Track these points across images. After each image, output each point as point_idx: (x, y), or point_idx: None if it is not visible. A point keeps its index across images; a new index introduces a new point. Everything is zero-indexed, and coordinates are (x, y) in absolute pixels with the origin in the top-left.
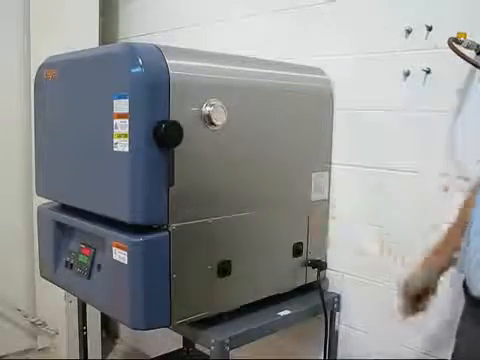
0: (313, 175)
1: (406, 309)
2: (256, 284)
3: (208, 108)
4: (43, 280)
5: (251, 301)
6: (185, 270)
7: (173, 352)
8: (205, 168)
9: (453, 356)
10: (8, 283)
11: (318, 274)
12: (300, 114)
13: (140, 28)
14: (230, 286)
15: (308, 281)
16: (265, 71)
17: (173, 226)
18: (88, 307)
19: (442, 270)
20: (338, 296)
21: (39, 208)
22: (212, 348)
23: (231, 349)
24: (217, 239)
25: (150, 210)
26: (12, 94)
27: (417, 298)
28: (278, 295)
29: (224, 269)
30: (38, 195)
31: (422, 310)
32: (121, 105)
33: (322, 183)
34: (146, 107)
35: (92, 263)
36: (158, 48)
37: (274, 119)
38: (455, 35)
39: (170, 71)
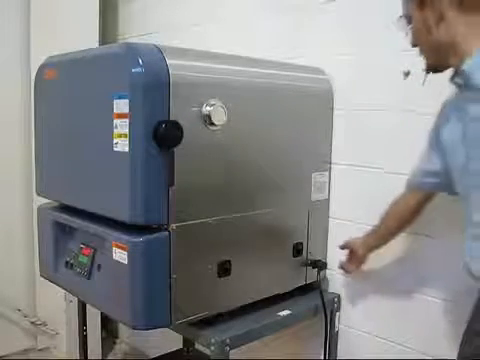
0: (313, 175)
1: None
2: (256, 284)
3: (208, 108)
4: (43, 280)
5: (251, 301)
6: (185, 270)
7: (173, 352)
8: (205, 168)
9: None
10: (8, 283)
11: (318, 274)
12: (300, 114)
13: (140, 28)
14: (230, 286)
15: (308, 281)
16: (265, 71)
17: (173, 226)
18: (88, 307)
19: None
20: (338, 296)
21: (39, 208)
22: (212, 348)
23: (231, 349)
24: (217, 239)
25: (150, 210)
26: (12, 94)
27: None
28: (278, 295)
29: (224, 269)
30: (38, 195)
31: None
32: (121, 105)
33: (322, 183)
34: (146, 107)
35: (92, 263)
36: (158, 48)
37: (274, 119)
38: None
39: (170, 71)
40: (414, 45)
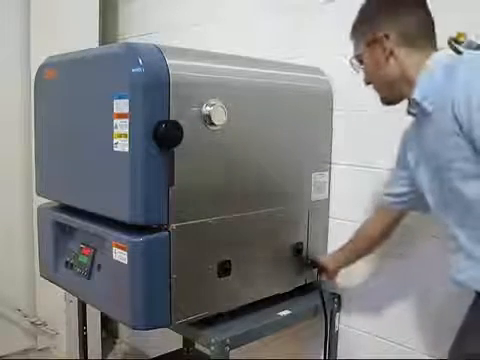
0: (313, 175)
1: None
2: (256, 284)
3: (208, 108)
4: (43, 280)
5: (251, 301)
6: (185, 270)
7: (173, 352)
8: (205, 168)
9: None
10: (8, 283)
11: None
12: (300, 114)
13: (140, 28)
14: (230, 286)
15: (308, 281)
16: (265, 71)
17: (173, 226)
18: (88, 307)
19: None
20: (338, 296)
21: (39, 208)
22: (212, 348)
23: (231, 349)
24: (217, 239)
25: (150, 210)
26: (12, 94)
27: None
28: (278, 295)
29: (224, 269)
30: (38, 195)
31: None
32: (121, 105)
33: (322, 183)
34: (146, 107)
35: (92, 263)
36: (158, 48)
37: (274, 119)
38: (455, 35)
39: (170, 71)
40: (368, 83)
